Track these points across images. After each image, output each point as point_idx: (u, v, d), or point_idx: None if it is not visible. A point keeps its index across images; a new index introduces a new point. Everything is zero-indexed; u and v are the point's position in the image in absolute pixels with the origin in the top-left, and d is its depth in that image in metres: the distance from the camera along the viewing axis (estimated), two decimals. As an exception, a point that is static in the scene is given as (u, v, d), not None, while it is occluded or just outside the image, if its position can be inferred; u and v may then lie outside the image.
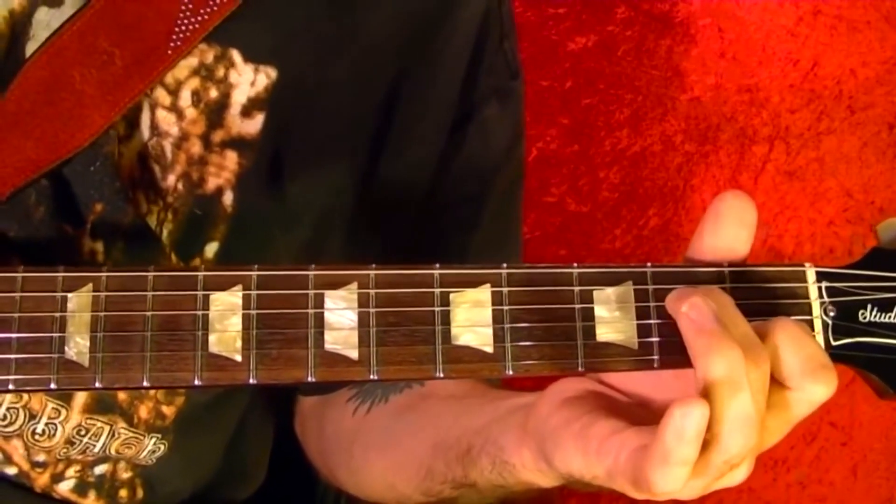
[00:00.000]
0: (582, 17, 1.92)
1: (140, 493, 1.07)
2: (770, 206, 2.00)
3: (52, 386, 0.80)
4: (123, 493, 1.06)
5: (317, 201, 1.05)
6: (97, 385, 0.80)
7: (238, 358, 0.80)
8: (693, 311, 0.77)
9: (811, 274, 0.83)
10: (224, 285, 0.81)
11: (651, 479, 0.73)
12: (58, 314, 0.81)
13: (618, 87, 1.95)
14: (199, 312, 0.81)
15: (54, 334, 0.80)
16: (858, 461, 2.06)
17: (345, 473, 1.13)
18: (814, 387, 0.76)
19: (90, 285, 0.81)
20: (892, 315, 0.82)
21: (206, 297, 0.81)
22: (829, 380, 0.76)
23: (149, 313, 0.81)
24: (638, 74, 1.96)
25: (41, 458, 1.02)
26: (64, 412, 0.99)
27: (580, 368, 0.80)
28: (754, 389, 0.74)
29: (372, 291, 0.81)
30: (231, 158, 1.00)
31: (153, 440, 1.04)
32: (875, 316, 0.82)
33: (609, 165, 1.93)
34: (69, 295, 0.81)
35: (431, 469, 0.98)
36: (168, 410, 1.04)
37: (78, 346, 0.80)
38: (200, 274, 0.81)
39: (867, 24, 2.04)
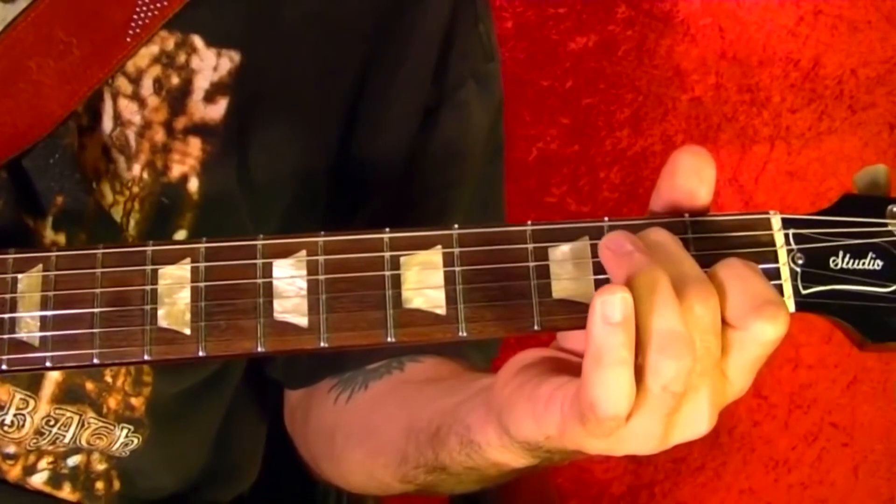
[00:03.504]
0: (582, 16, 1.92)
1: (117, 486, 1.06)
2: (771, 206, 1.97)
3: (4, 367, 0.80)
4: (99, 485, 1.05)
5: (286, 187, 1.04)
6: (48, 364, 0.79)
7: (187, 331, 0.79)
8: (610, 241, 0.76)
9: (776, 221, 0.80)
10: (172, 259, 0.80)
11: (591, 394, 0.70)
12: (8, 296, 0.80)
13: (618, 86, 1.94)
14: (148, 287, 0.79)
15: (5, 315, 0.80)
16: (860, 462, 2.04)
17: (328, 464, 1.11)
18: (759, 323, 0.73)
19: (40, 266, 0.81)
20: (866, 261, 0.79)
21: (155, 272, 0.80)
22: (775, 316, 0.73)
23: (98, 290, 0.80)
24: (638, 74, 1.95)
25: (11, 449, 1.01)
26: (32, 402, 0.98)
27: (536, 328, 0.77)
28: (702, 327, 0.71)
29: (321, 258, 0.79)
30: (195, 145, 0.99)
31: (125, 431, 1.02)
32: (847, 263, 0.79)
33: (610, 165, 1.92)
34: (19, 276, 0.81)
35: (405, 454, 0.96)
36: (137, 402, 1.02)
37: (28, 325, 0.80)
38: (149, 249, 0.80)
39: (868, 24, 2.02)
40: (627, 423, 0.72)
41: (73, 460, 1.03)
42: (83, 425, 1.00)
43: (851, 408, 2.02)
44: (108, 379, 1.00)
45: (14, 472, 1.02)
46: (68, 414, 1.00)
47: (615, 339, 0.70)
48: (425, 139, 1.09)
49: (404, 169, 1.08)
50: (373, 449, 1.02)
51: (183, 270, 0.80)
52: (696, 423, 0.74)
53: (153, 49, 0.97)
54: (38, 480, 1.03)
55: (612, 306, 0.70)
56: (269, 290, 0.79)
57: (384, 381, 1.05)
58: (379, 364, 1.06)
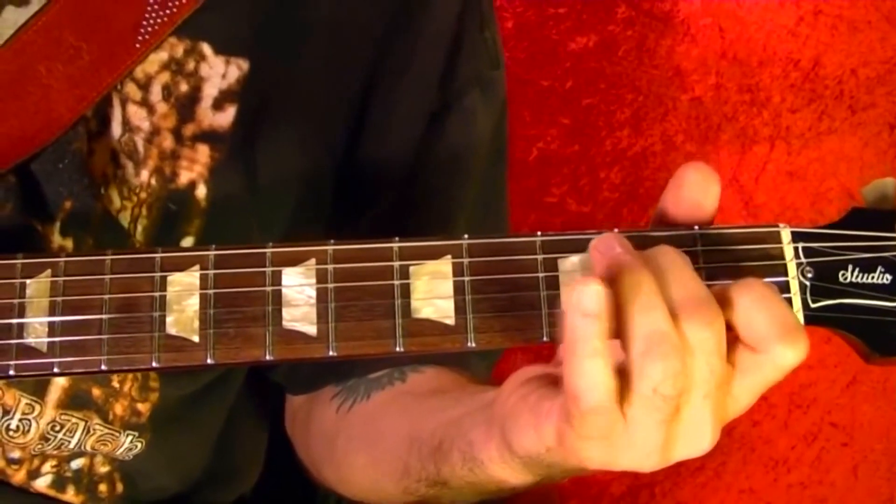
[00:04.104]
0: (582, 16, 1.92)
1: (120, 488, 1.06)
2: (771, 207, 1.99)
3: (11, 373, 0.80)
4: (103, 487, 1.05)
5: (292, 192, 1.04)
6: (55, 370, 0.80)
7: (195, 338, 0.79)
8: (600, 243, 0.76)
9: (786, 234, 0.80)
10: (181, 266, 0.80)
11: (572, 385, 0.71)
12: (16, 300, 0.80)
13: (619, 86, 1.94)
14: (157, 294, 0.80)
15: (13, 321, 0.80)
16: (859, 462, 2.04)
17: (329, 470, 1.11)
18: (783, 350, 0.73)
19: (49, 271, 0.81)
20: (875, 275, 0.79)
21: (164, 279, 0.80)
22: (799, 343, 0.73)
23: (106, 296, 0.80)
24: (639, 74, 1.95)
25: (16, 454, 1.01)
26: (38, 408, 0.98)
27: (545, 339, 0.77)
28: (706, 350, 0.71)
29: (330, 267, 0.79)
30: (203, 152, 0.99)
31: (129, 438, 1.03)
32: (856, 276, 0.79)
33: (610, 165, 1.92)
34: (28, 281, 0.81)
35: (407, 465, 0.97)
36: (143, 408, 1.02)
37: (36, 331, 0.80)
38: (158, 256, 0.81)
39: (868, 24, 2.02)
40: (624, 431, 0.72)
41: (76, 463, 1.04)
42: (88, 431, 1.01)
43: (851, 408, 2.02)
44: (116, 384, 1.01)
45: (18, 477, 1.02)
46: (74, 420, 1.00)
47: (589, 329, 0.70)
48: (430, 144, 1.09)
49: (409, 172, 1.09)
50: (376, 458, 1.03)
51: (192, 277, 0.80)
52: (698, 439, 0.74)
53: (162, 55, 0.97)
54: (42, 484, 1.03)
55: (586, 297, 0.71)
56: (277, 298, 0.79)
57: (386, 392, 1.06)
58: (381, 374, 1.06)
